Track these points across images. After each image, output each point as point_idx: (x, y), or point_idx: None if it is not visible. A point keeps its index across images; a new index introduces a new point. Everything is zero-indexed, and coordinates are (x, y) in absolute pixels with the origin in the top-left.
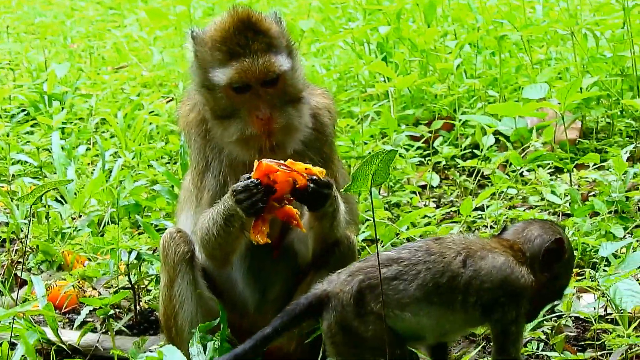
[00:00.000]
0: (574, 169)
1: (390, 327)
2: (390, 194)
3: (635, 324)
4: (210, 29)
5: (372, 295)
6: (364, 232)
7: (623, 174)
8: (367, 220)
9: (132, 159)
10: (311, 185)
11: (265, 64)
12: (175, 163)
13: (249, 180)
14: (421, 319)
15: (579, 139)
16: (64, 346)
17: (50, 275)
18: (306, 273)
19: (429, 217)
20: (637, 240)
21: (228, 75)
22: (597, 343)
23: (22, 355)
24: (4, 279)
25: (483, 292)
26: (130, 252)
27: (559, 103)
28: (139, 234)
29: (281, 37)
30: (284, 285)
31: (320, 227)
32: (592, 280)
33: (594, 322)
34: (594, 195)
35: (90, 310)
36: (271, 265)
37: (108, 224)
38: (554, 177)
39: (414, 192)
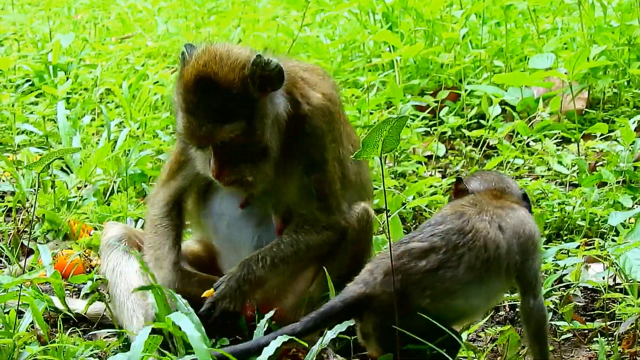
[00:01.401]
0: (581, 139)
1: (439, 317)
2: (396, 163)
3: None
4: (183, 70)
5: (417, 291)
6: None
7: (631, 144)
8: (375, 189)
9: (137, 129)
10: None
11: (208, 132)
12: None
13: None
14: (473, 300)
15: (586, 109)
16: (71, 314)
17: (56, 245)
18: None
19: (435, 187)
20: None
21: (181, 127)
22: (606, 313)
23: (30, 323)
24: (10, 248)
25: (521, 248)
26: (136, 221)
27: (567, 72)
28: (145, 203)
29: (241, 98)
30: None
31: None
32: (601, 250)
33: (603, 291)
34: (602, 166)
35: (96, 279)
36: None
37: (114, 193)
38: (560, 147)
39: (420, 162)
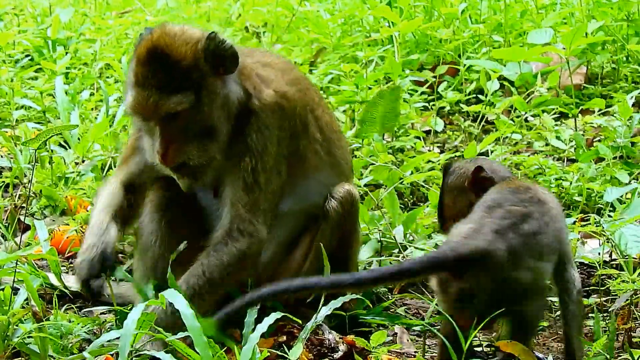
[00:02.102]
0: (579, 115)
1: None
2: (394, 138)
3: (639, 270)
4: (136, 47)
5: (525, 252)
6: (367, 176)
7: (628, 120)
8: (372, 164)
9: None
10: None
11: (154, 103)
12: None
13: None
14: (550, 269)
15: (584, 85)
16: (66, 291)
17: (53, 220)
18: (313, 224)
19: (433, 162)
20: None
21: (128, 102)
22: (601, 289)
23: (25, 300)
24: (7, 224)
25: (564, 222)
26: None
27: (564, 48)
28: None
29: (191, 71)
30: (277, 247)
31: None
32: (596, 226)
33: (598, 267)
34: (599, 141)
35: None
36: None
37: (111, 168)
38: (558, 122)
39: (418, 137)
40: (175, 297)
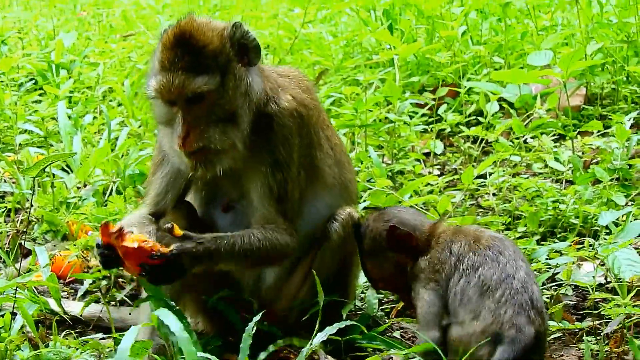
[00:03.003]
0: (579, 136)
1: None
2: (395, 161)
3: (633, 293)
4: (161, 36)
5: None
6: (366, 199)
7: (626, 141)
8: (370, 189)
9: (139, 127)
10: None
11: (180, 83)
12: None
13: (96, 245)
14: None
15: (584, 106)
16: (66, 317)
17: (54, 246)
18: (307, 253)
19: (432, 185)
20: (638, 208)
21: (152, 87)
22: (594, 312)
23: (23, 326)
24: (9, 249)
25: None
26: None
27: (562, 71)
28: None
29: (217, 55)
30: (281, 270)
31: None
32: (591, 249)
33: (591, 291)
34: (597, 163)
35: (93, 281)
36: None
37: (112, 193)
38: (558, 144)
39: (418, 160)
40: (169, 319)
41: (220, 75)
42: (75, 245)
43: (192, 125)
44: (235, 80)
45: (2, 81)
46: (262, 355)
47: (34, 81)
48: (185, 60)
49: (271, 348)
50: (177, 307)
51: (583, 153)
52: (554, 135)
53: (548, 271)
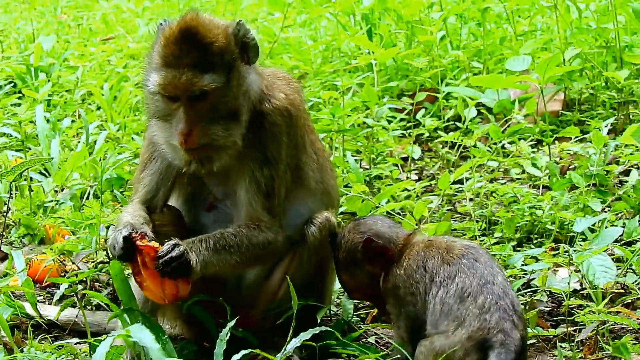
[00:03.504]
0: (556, 141)
1: None
2: (372, 166)
3: (607, 300)
4: (163, 30)
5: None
6: (342, 205)
7: (603, 147)
8: (346, 194)
9: (117, 131)
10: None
11: (187, 80)
12: None
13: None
14: None
15: (562, 111)
16: (41, 321)
17: (31, 250)
18: (284, 255)
19: (409, 191)
20: (615, 214)
21: (155, 82)
22: (568, 319)
23: None
24: None
25: None
26: (108, 227)
27: (539, 76)
28: (122, 206)
29: (223, 53)
30: (261, 269)
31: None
32: (565, 256)
33: (566, 297)
34: (574, 169)
35: (69, 285)
36: None
37: (90, 197)
38: (535, 149)
39: (396, 165)
40: (141, 333)
41: (226, 73)
42: (52, 249)
43: (194, 122)
44: (239, 79)
45: None
46: (237, 356)
47: (12, 84)
48: (192, 57)
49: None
50: (151, 318)
51: (560, 159)
52: (531, 140)
53: (523, 277)
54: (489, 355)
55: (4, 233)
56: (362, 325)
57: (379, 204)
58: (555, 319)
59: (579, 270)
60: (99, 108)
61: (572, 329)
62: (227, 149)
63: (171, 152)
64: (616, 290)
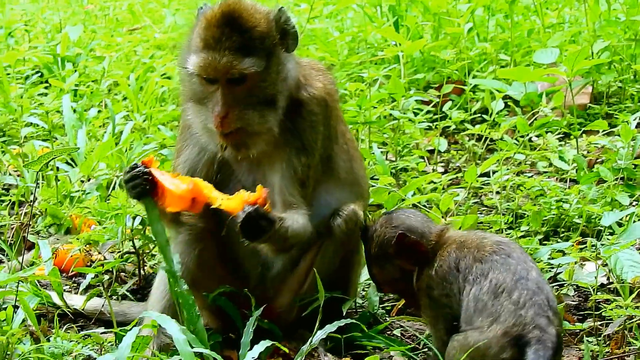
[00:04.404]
0: (584, 135)
1: None
2: (398, 158)
3: (634, 294)
4: (204, 13)
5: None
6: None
7: (632, 141)
8: (372, 186)
9: (143, 122)
10: (242, 216)
11: (228, 62)
12: None
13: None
14: None
15: (590, 104)
16: (67, 310)
17: (57, 239)
18: (310, 247)
19: (435, 183)
20: None
21: (195, 64)
22: (595, 313)
23: (23, 319)
24: (12, 242)
25: None
26: (134, 218)
27: (568, 69)
28: None
29: (264, 37)
30: (287, 260)
31: (267, 247)
32: (593, 250)
33: (593, 292)
34: (602, 162)
35: (95, 275)
36: None
37: (116, 188)
38: (563, 142)
39: (422, 157)
40: (167, 322)
41: (266, 58)
42: (78, 238)
43: (231, 106)
44: (279, 65)
45: (8, 74)
46: (260, 348)
47: (39, 74)
48: (233, 40)
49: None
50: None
51: (588, 152)
52: (559, 133)
53: (550, 271)
54: (525, 352)
55: (30, 222)
56: (387, 318)
57: (405, 196)
58: (582, 313)
59: (607, 265)
60: (125, 98)
61: (599, 323)
62: (262, 135)
63: (206, 136)
64: None
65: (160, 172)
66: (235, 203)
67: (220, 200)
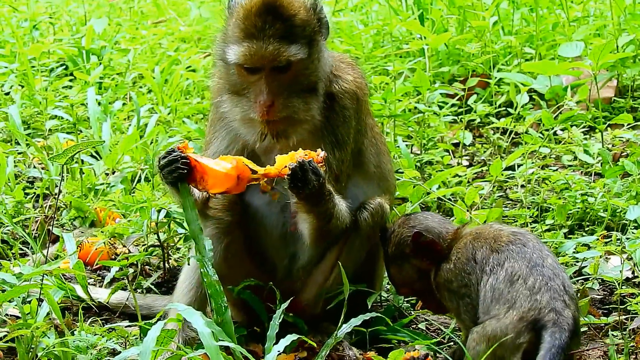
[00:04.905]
0: (609, 128)
1: None
2: (423, 152)
3: None
4: (241, 3)
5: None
6: None
7: None
8: (397, 180)
9: (168, 114)
10: (294, 166)
11: (274, 50)
12: None
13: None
14: None
15: (615, 98)
16: (91, 303)
17: (82, 232)
18: (337, 240)
19: (460, 177)
20: None
21: (238, 54)
22: (620, 307)
23: (48, 313)
24: (37, 235)
25: None
26: (159, 211)
27: (592, 63)
28: None
29: (305, 25)
30: (313, 252)
31: (314, 221)
32: (618, 244)
33: (618, 286)
34: (627, 156)
35: (120, 268)
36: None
37: (141, 181)
38: (587, 136)
39: (447, 151)
40: (192, 316)
41: (308, 46)
42: (102, 232)
43: (276, 94)
44: (319, 53)
45: (33, 66)
46: (285, 341)
47: (64, 67)
48: (277, 28)
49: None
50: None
51: (613, 146)
52: (583, 127)
53: (575, 265)
54: (542, 335)
55: (55, 215)
56: (412, 312)
57: (430, 189)
58: (606, 307)
59: (631, 259)
60: (150, 91)
61: (623, 317)
62: (306, 123)
63: (245, 127)
64: None
65: (198, 156)
66: (285, 160)
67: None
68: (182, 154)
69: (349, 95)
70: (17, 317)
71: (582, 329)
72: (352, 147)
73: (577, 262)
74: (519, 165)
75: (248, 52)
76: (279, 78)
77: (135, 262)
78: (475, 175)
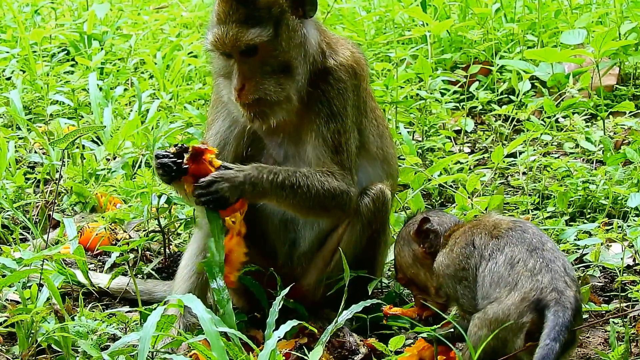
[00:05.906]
0: (610, 116)
1: None
2: (425, 138)
3: None
4: None
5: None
6: None
7: None
8: (399, 166)
9: (169, 100)
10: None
11: (234, 35)
12: None
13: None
14: None
15: (617, 85)
16: (92, 289)
17: (82, 217)
18: (337, 225)
19: (462, 163)
20: None
21: (209, 39)
22: (621, 294)
23: (48, 298)
24: (37, 220)
25: None
26: (160, 196)
27: (594, 51)
28: None
29: (270, 6)
30: (315, 238)
31: (279, 205)
32: (619, 231)
33: (619, 273)
34: (629, 143)
35: (120, 253)
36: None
37: (142, 166)
38: (589, 123)
39: (449, 137)
40: (193, 302)
41: (274, 26)
42: (103, 217)
43: (247, 77)
44: (290, 32)
45: (34, 51)
46: (286, 327)
47: (66, 52)
48: (239, 13)
49: (290, 323)
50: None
51: (614, 133)
52: (585, 114)
53: (576, 252)
54: (545, 314)
55: (55, 201)
56: (412, 299)
57: (432, 176)
58: (608, 294)
59: (633, 246)
60: (151, 77)
61: (624, 304)
62: (281, 104)
63: (235, 110)
64: None
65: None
66: None
67: None
68: (176, 160)
69: (344, 68)
70: (17, 302)
71: (583, 316)
72: (352, 120)
73: (578, 249)
74: (520, 153)
75: (214, 38)
76: (249, 61)
77: (136, 248)
78: (477, 162)
